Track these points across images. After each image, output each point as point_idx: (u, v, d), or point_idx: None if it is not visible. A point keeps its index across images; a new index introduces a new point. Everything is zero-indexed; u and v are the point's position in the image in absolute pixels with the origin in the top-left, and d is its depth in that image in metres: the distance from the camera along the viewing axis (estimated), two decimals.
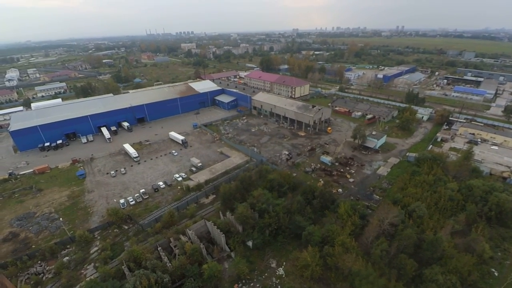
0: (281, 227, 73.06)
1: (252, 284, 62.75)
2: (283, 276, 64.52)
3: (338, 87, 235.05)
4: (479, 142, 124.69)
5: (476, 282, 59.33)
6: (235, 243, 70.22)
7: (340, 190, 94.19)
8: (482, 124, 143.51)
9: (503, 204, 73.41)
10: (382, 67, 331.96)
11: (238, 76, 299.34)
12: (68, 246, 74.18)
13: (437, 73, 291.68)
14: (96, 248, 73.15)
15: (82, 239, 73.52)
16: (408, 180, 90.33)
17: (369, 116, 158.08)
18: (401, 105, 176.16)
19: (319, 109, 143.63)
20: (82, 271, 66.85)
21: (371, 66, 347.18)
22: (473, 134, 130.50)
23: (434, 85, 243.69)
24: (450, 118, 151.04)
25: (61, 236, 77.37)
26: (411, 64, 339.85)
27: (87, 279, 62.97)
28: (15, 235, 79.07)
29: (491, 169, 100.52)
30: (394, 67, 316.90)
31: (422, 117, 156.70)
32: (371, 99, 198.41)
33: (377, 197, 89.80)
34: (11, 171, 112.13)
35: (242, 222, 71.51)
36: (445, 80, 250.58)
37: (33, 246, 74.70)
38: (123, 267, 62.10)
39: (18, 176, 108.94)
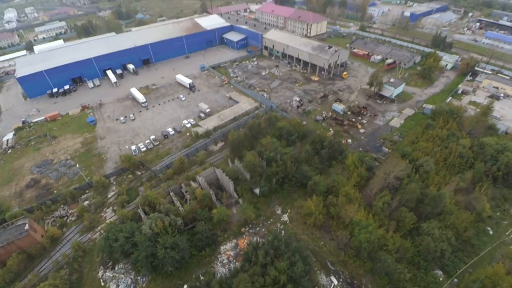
0: (287, 176, 74.62)
1: (258, 228, 67.65)
2: (287, 222, 68.78)
3: (359, 26, 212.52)
4: (501, 97, 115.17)
5: (470, 238, 61.97)
6: (243, 190, 73.34)
7: (349, 140, 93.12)
8: (508, 77, 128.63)
9: None
10: (411, 3, 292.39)
11: (248, 10, 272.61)
12: (87, 191, 79.50)
13: (470, 14, 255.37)
14: (113, 193, 78.22)
15: (99, 184, 78.15)
16: (421, 134, 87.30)
17: (389, 61, 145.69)
18: (426, 49, 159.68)
19: (336, 51, 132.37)
20: (102, 214, 72.84)
21: (398, 1, 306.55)
22: (497, 88, 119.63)
23: (465, 29, 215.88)
24: (476, 68, 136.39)
25: (79, 181, 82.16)
26: (443, 1, 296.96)
27: (107, 221, 69.12)
28: (37, 182, 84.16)
29: (508, 128, 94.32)
30: (424, 4, 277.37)
31: (446, 65, 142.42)
32: (393, 41, 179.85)
33: (386, 149, 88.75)
34: (24, 119, 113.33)
35: (250, 170, 72.95)
36: (478, 24, 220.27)
37: (55, 192, 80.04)
38: (139, 210, 67.13)
39: (32, 124, 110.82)
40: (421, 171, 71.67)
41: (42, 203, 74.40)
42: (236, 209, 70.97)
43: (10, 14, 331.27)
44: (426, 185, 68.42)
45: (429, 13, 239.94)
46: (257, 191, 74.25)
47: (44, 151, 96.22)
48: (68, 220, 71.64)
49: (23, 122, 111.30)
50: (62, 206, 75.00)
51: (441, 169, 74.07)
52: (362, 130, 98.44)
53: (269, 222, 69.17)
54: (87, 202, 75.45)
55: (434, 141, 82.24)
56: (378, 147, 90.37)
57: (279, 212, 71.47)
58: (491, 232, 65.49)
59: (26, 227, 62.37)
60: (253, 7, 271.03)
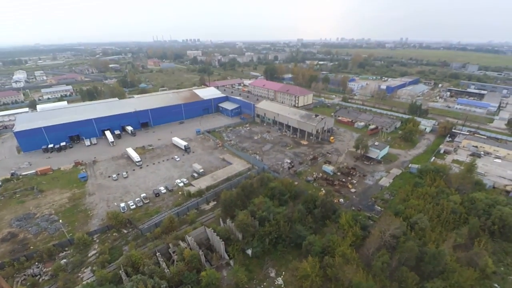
0: (281, 236, 72.52)
1: None
2: (282, 286, 63.72)
3: (341, 97, 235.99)
4: (482, 155, 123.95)
5: None
6: (234, 250, 69.66)
7: (341, 200, 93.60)
8: (485, 137, 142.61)
9: (507, 218, 72.49)
10: (386, 78, 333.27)
11: (242, 84, 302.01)
12: (66, 249, 74.03)
13: (440, 85, 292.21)
14: (94, 252, 72.85)
15: (80, 241, 73.42)
16: (411, 192, 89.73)
17: (371, 127, 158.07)
18: (404, 116, 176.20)
19: (322, 119, 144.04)
20: (79, 274, 66.47)
21: (374, 77, 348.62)
22: (476, 146, 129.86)
23: (437, 97, 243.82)
24: (453, 130, 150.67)
25: (59, 238, 77.26)
26: (414, 75, 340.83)
27: (84, 282, 62.61)
28: (14, 236, 79.09)
29: (494, 182, 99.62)
30: (397, 78, 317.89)
31: (425, 128, 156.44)
32: (374, 109, 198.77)
33: (379, 208, 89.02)
34: (13, 171, 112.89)
35: (242, 230, 71.05)
36: (448, 92, 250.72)
37: (31, 247, 74.66)
38: (120, 271, 61.60)
39: (20, 177, 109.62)
40: (417, 229, 71.09)
41: (15, 259, 68.50)
42: (227, 271, 66.28)
43: (20, 75, 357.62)
44: (423, 242, 67.13)
45: (403, 85, 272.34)
46: (249, 252, 70.71)
47: (28, 205, 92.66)
48: (40, 280, 64.56)
49: (12, 174, 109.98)
50: (36, 263, 68.54)
51: (436, 225, 73.95)
52: (353, 190, 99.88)
53: (262, 286, 63.89)
54: (64, 260, 69.25)
55: (425, 198, 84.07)
56: (370, 206, 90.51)
57: (273, 274, 66.74)
58: None
59: None
60: (247, 81, 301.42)
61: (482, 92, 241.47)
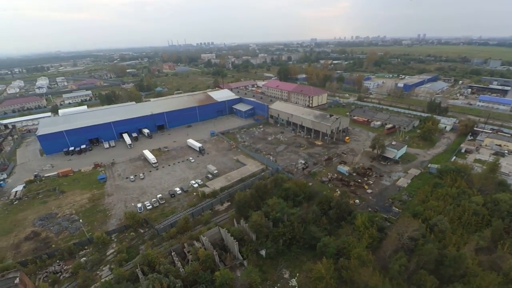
0: (295, 237, 72.07)
1: None
2: (296, 287, 62.95)
3: (356, 96, 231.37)
4: (506, 154, 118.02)
5: None
6: (248, 251, 69.73)
7: (357, 201, 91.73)
8: (509, 135, 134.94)
9: None
10: (403, 76, 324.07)
11: (256, 86, 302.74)
12: (86, 247, 76.77)
13: (460, 82, 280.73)
14: (112, 250, 75.15)
15: (99, 240, 75.89)
16: (430, 193, 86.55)
17: (388, 126, 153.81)
18: (423, 114, 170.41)
19: (337, 118, 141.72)
20: (98, 272, 68.70)
21: (391, 75, 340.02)
22: (500, 145, 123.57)
23: (458, 94, 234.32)
24: (475, 129, 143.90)
25: (80, 237, 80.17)
26: (433, 73, 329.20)
27: (102, 280, 64.49)
28: (37, 234, 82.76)
29: None
30: (415, 76, 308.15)
31: (445, 127, 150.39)
32: (390, 108, 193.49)
33: (396, 209, 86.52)
34: (36, 173, 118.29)
35: (256, 231, 71.09)
36: (469, 89, 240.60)
37: (53, 246, 77.85)
38: (137, 270, 63.24)
39: (43, 178, 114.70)
40: (436, 231, 68.56)
41: (37, 256, 71.76)
42: (241, 272, 66.52)
43: (42, 82, 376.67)
44: (443, 245, 64.67)
45: (421, 83, 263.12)
46: (263, 252, 70.71)
47: (50, 205, 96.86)
48: (61, 277, 67.41)
49: (35, 176, 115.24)
50: (57, 261, 71.66)
51: (456, 228, 70.98)
52: (369, 191, 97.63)
53: (276, 287, 63.57)
54: (84, 258, 71.97)
55: (445, 199, 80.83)
56: (387, 207, 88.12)
57: (286, 276, 66.32)
58: None
59: (17, 280, 58.35)
60: (260, 83, 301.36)
61: (506, 88, 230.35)
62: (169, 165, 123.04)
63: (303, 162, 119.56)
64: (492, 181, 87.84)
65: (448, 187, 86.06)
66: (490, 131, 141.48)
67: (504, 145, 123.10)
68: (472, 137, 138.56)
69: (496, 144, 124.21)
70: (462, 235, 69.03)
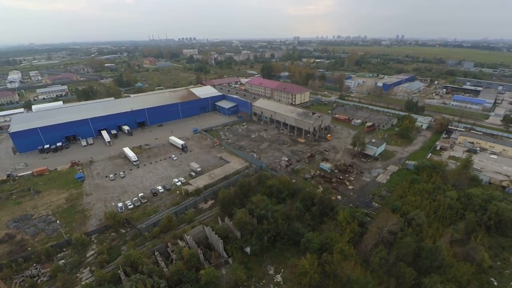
0: (279, 234, 72.73)
1: None
2: (281, 283, 63.90)
3: (338, 95, 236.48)
4: (478, 151, 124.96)
5: None
6: (233, 249, 69.62)
7: (339, 197, 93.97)
8: (481, 133, 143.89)
9: (502, 213, 73.46)
10: (382, 76, 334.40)
11: (239, 83, 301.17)
12: (64, 249, 73.59)
13: (436, 82, 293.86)
14: (92, 252, 72.52)
15: (78, 242, 73.03)
16: (407, 188, 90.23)
17: (368, 124, 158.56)
18: (401, 113, 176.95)
19: (319, 116, 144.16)
20: (78, 274, 66.16)
21: (371, 75, 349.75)
22: (472, 143, 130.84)
23: (434, 94, 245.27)
24: (449, 127, 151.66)
25: (57, 239, 76.74)
26: (410, 73, 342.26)
27: (83, 283, 62.31)
28: (11, 237, 78.45)
29: (490, 178, 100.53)
30: (393, 76, 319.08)
31: (422, 125, 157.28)
32: (370, 107, 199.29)
33: (376, 204, 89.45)
34: (9, 172, 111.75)
35: (241, 228, 71.19)
36: (444, 89, 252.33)
37: (29, 249, 74.08)
38: (119, 271, 61.44)
39: (17, 178, 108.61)
40: (414, 225, 71.56)
41: (13, 260, 68.01)
42: (226, 269, 66.31)
43: (14, 75, 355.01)
44: (420, 238, 67.73)
45: (399, 83, 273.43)
46: (248, 250, 70.79)
47: (24, 206, 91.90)
48: (39, 281, 64.17)
49: (8, 176, 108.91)
50: (34, 264, 68.17)
51: (433, 221, 74.61)
52: (350, 187, 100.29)
53: (261, 283, 64.06)
54: (62, 261, 68.90)
55: (421, 194, 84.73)
56: (368, 203, 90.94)
57: (271, 272, 66.95)
58: (495, 283, 62.66)
59: None
60: (243, 80, 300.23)
61: (478, 88, 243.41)
62: (150, 163, 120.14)
63: (286, 159, 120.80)
64: (465, 176, 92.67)
65: (425, 183, 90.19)
66: (464, 130, 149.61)
67: (477, 143, 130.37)
68: (446, 135, 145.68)
69: (469, 142, 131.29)
70: (438, 228, 72.59)
